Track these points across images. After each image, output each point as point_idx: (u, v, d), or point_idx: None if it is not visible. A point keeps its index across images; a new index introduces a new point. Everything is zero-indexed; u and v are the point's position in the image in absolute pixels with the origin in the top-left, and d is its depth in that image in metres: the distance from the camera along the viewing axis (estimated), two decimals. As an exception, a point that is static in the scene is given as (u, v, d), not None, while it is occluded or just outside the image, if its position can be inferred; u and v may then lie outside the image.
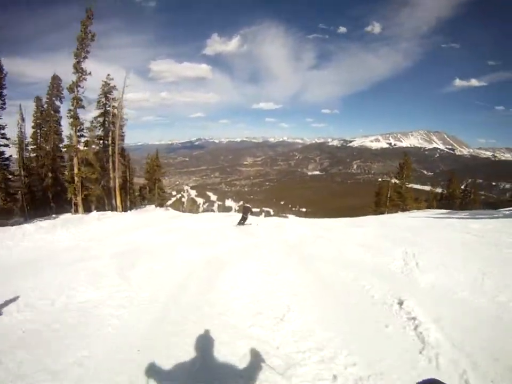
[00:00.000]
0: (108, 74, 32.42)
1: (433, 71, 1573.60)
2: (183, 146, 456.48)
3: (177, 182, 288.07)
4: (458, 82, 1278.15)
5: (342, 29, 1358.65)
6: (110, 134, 32.53)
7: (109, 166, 31.83)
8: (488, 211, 22.71)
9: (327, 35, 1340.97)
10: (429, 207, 40.28)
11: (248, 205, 19.34)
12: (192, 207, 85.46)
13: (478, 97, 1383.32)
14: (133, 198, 39.60)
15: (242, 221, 18.32)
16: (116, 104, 32.59)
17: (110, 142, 32.39)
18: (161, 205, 41.51)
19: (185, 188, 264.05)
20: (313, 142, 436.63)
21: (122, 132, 34.36)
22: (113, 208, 31.10)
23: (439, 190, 56.57)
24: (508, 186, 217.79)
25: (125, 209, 32.69)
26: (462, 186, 53.45)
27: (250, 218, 18.90)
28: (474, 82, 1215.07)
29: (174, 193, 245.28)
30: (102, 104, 32.10)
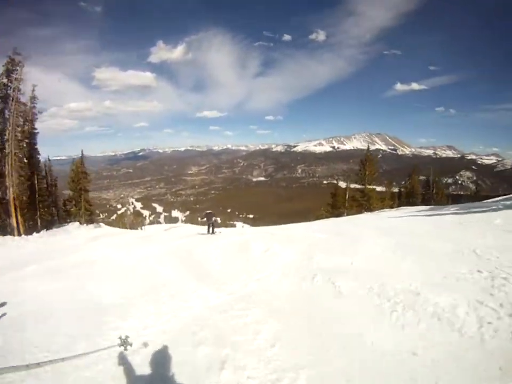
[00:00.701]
0: (15, 47, 25.33)
1: (375, 76, 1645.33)
2: (127, 157, 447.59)
3: (122, 195, 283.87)
4: (399, 86, 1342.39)
5: (287, 37, 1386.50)
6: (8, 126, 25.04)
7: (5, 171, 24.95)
8: (477, 203, 20.63)
9: (272, 43, 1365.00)
10: (392, 206, 38.76)
11: (210, 211, 18.98)
12: (135, 221, 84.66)
13: (419, 99, 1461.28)
14: (48, 215, 32.27)
15: (211, 230, 18.04)
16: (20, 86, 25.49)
17: (8, 137, 24.78)
18: (90, 221, 35.71)
19: (130, 200, 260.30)
20: (258, 148, 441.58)
21: (35, 129, 28.55)
22: (10, 230, 24.32)
23: (395, 190, 54.59)
24: (450, 181, 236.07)
25: (30, 230, 26.08)
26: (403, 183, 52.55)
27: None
28: (415, 86, 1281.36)
29: (119, 206, 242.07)
30: (1, 85, 24.50)
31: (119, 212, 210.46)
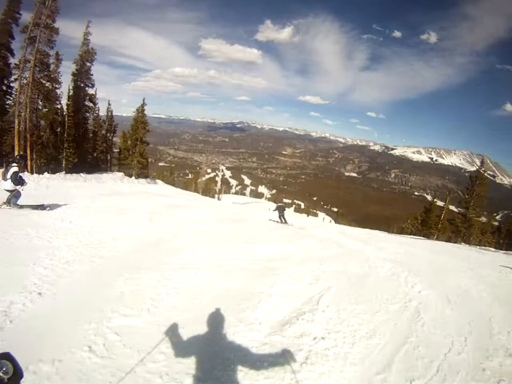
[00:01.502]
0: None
1: (485, 91, 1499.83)
2: (225, 126, 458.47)
3: (214, 161, 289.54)
4: (509, 107, 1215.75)
5: (397, 33, 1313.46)
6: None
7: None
8: None
9: (381, 37, 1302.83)
10: (490, 243, 31.39)
11: (281, 204, 19.75)
12: (210, 187, 77.58)
13: None
14: (74, 157, 27.78)
15: (284, 220, 18.20)
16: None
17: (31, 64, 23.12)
18: (142, 175, 34.26)
19: (221, 167, 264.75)
20: (355, 143, 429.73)
21: (84, 67, 29.11)
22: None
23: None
24: None
25: (53, 170, 24.19)
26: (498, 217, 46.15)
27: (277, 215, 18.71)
28: None
29: (209, 170, 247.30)
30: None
31: (206, 176, 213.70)
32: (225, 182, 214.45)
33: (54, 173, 23.00)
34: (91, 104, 32.33)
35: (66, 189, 17.15)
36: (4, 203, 9.51)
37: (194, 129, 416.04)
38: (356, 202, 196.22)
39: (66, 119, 27.15)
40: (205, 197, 42.24)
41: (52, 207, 10.37)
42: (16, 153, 21.80)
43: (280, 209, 18.55)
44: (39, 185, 16.78)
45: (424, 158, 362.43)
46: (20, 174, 9.76)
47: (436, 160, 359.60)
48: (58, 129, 27.13)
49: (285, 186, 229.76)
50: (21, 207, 9.66)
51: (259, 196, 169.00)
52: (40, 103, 24.86)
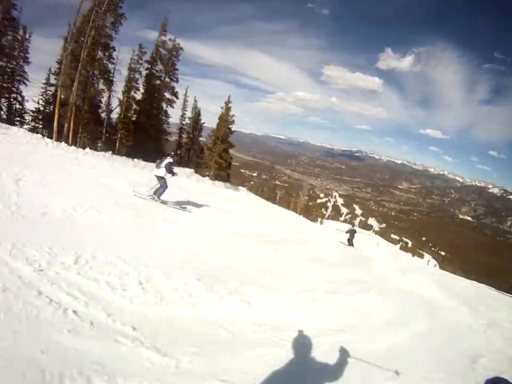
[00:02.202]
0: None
1: None
2: (343, 153, 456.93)
3: (328, 186, 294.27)
4: None
5: None
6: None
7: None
8: None
9: (503, 66, 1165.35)
10: None
11: (353, 229, 21.72)
12: (312, 210, 76.22)
13: None
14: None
15: (351, 243, 20.40)
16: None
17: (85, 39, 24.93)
18: (222, 178, 33.70)
19: (334, 193, 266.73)
20: (473, 184, 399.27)
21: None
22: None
23: None
24: None
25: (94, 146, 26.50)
26: None
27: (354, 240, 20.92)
28: None
29: (321, 195, 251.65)
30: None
31: (319, 200, 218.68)
32: (336, 208, 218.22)
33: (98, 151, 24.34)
34: (173, 98, 33.96)
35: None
36: (151, 195, 11.12)
37: (312, 152, 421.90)
38: (465, 249, 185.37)
39: (125, 100, 30.00)
40: (294, 214, 39.98)
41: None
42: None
43: (351, 233, 20.74)
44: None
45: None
46: (173, 166, 11.36)
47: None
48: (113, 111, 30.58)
49: (396, 222, 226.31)
50: (165, 203, 11.25)
51: (368, 227, 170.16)
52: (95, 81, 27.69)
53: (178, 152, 37.72)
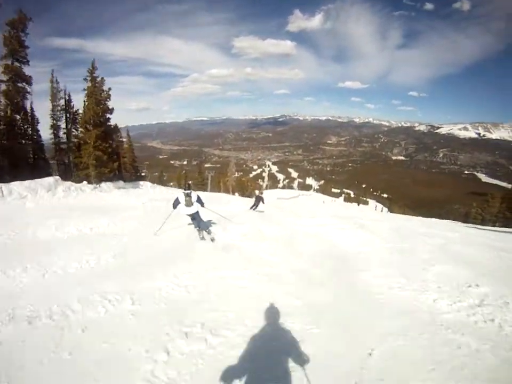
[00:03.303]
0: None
1: None
2: (267, 121, 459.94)
3: (259, 157, 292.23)
4: None
5: (429, 5, 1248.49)
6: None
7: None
8: None
9: (413, 12, 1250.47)
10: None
11: (261, 195, 19.03)
12: (245, 183, 68.24)
13: None
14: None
15: (254, 207, 18.51)
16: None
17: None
18: (104, 177, 24.27)
19: (267, 163, 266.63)
20: (400, 125, 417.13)
21: None
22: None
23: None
24: None
25: None
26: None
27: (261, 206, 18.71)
28: None
29: (255, 167, 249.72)
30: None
31: (254, 173, 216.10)
32: (272, 177, 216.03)
33: None
34: (25, 86, 23.59)
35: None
36: (203, 236, 10.34)
37: (237, 127, 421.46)
38: (406, 186, 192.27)
39: None
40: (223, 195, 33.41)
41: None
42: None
43: (257, 199, 18.68)
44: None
45: (472, 134, 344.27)
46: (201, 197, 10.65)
47: (484, 136, 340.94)
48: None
49: (333, 176, 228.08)
50: (210, 232, 10.66)
51: (307, 188, 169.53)
52: None
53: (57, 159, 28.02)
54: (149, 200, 18.37)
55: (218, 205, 17.89)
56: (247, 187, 65.18)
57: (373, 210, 70.20)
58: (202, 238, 10.24)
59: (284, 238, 10.38)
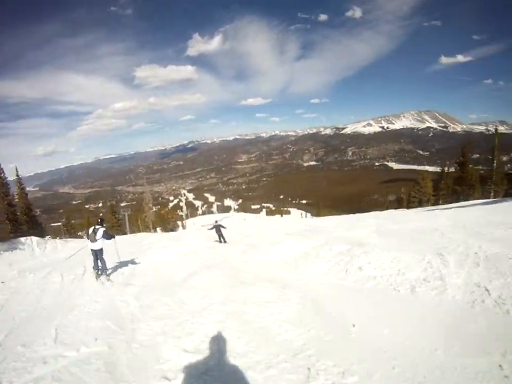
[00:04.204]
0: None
1: (418, 51, 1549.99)
2: (177, 150, 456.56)
3: (174, 187, 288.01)
4: (444, 59, 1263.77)
5: (323, 17, 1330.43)
6: None
7: None
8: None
9: (308, 24, 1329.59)
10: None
11: (219, 223, 18.67)
12: (170, 215, 63.01)
13: (465, 72, 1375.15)
14: None
15: (223, 240, 18.01)
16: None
17: None
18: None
19: (182, 191, 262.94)
20: (306, 132, 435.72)
21: None
22: None
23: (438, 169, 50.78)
24: (505, 158, 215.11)
25: None
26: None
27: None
28: (460, 58, 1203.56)
29: (171, 198, 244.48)
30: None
31: (171, 204, 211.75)
32: (190, 204, 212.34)
33: None
34: None
35: None
36: (100, 275, 10.22)
37: (147, 160, 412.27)
38: (322, 189, 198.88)
39: None
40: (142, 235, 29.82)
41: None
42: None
43: (218, 228, 18.12)
44: None
45: (376, 128, 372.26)
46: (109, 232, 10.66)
47: (388, 128, 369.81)
48: None
49: (250, 193, 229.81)
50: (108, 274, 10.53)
51: (227, 209, 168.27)
52: None
53: None
54: (28, 269, 11.85)
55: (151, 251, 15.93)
56: (168, 220, 62.13)
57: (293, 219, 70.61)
58: (98, 278, 10.14)
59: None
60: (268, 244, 14.20)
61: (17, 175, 32.90)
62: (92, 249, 10.33)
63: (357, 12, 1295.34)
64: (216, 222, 18.85)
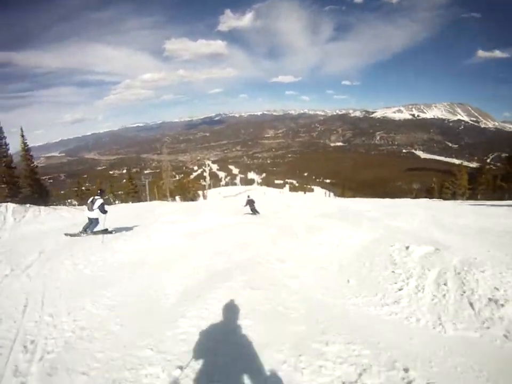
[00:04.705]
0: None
1: (454, 42, 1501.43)
2: (203, 121, 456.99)
3: (199, 157, 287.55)
4: (481, 53, 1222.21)
5: None
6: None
7: None
8: None
9: (343, 6, 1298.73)
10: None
11: (251, 199, 19.53)
12: (190, 185, 59.70)
13: (503, 69, 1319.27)
14: None
15: (256, 212, 18.66)
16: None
17: None
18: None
19: (207, 162, 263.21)
20: (335, 113, 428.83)
21: None
22: None
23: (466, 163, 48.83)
24: None
25: None
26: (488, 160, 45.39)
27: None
28: (498, 53, 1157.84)
29: (195, 168, 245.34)
30: None
31: (194, 174, 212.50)
32: (213, 175, 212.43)
33: None
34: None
35: None
36: (80, 232, 11.08)
37: (174, 130, 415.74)
38: (347, 170, 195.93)
39: None
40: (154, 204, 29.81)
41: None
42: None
43: (251, 203, 19.10)
44: None
45: (406, 115, 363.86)
46: (105, 205, 11.35)
47: (418, 116, 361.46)
48: None
49: (274, 168, 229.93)
50: (95, 233, 11.11)
51: (250, 182, 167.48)
52: None
53: None
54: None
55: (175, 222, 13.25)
56: (188, 189, 60.48)
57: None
58: (83, 234, 10.95)
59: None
60: (304, 228, 10.64)
61: (22, 135, 30.76)
62: (88, 217, 11.10)
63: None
64: (248, 197, 19.76)
